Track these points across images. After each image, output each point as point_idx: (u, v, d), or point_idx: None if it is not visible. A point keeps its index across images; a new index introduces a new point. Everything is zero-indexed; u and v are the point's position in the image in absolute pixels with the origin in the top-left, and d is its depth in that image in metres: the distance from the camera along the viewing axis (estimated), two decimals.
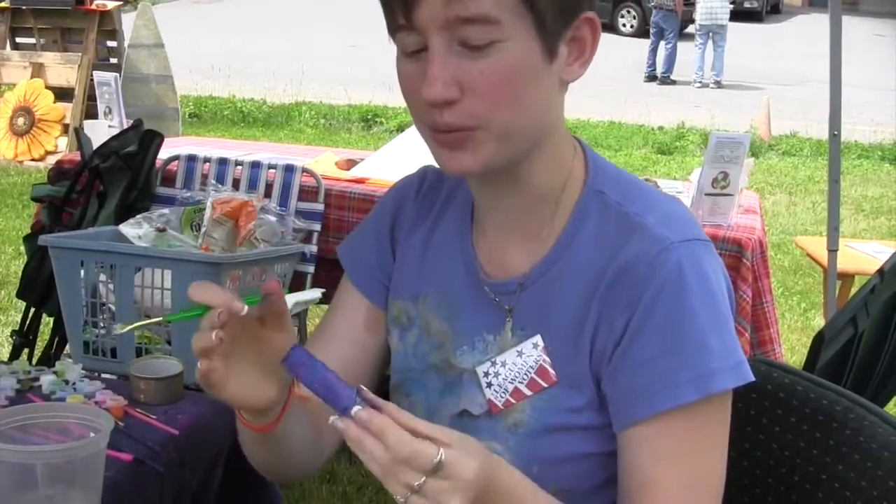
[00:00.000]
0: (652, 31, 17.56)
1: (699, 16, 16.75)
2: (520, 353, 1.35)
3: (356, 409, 1.06)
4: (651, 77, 17.76)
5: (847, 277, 4.62)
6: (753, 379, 1.27)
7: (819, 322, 5.57)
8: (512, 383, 1.35)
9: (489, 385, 1.37)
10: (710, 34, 16.76)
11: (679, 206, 1.38)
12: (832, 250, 4.24)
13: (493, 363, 1.37)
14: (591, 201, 1.35)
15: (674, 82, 17.49)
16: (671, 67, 17.55)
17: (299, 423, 1.37)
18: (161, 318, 1.28)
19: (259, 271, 3.21)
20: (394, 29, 1.24)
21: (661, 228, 1.28)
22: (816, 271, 6.21)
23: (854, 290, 3.64)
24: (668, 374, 1.24)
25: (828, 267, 4.29)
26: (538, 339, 1.34)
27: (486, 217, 1.42)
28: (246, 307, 1.14)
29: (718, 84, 17.10)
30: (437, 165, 1.48)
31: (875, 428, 1.47)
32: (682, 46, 17.40)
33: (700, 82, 17.23)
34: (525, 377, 1.34)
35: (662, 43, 17.38)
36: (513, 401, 1.35)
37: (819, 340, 2.46)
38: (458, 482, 1.07)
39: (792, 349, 5.36)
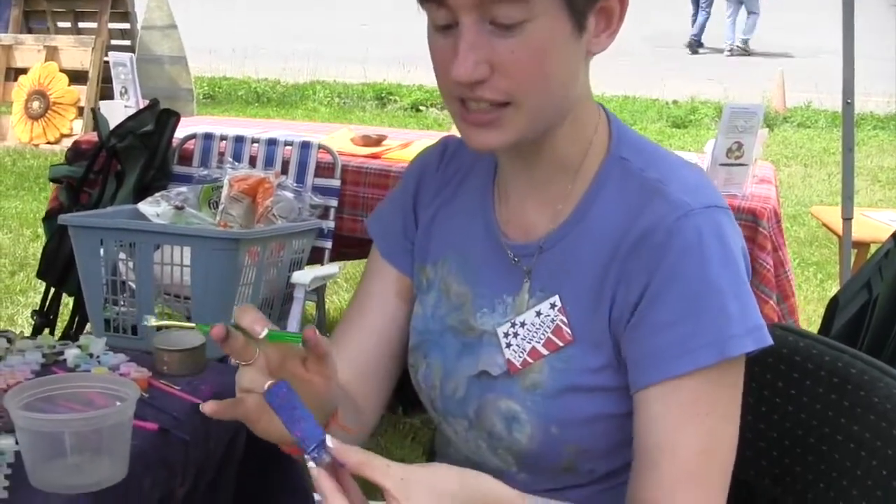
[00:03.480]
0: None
1: None
2: (538, 313, 1.37)
3: (311, 465, 1.07)
4: (695, 44, 17.63)
5: (862, 246, 4.60)
6: (771, 343, 1.28)
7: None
8: (529, 343, 1.37)
9: (508, 345, 1.39)
10: (742, 2, 16.66)
11: (700, 173, 1.39)
12: (847, 219, 4.24)
13: (513, 324, 1.39)
14: (612, 167, 1.37)
15: (701, 45, 17.43)
16: (702, 31, 17.49)
17: None
18: (194, 325, 1.28)
19: (277, 247, 3.24)
20: (423, 0, 1.24)
21: (682, 194, 1.30)
22: (832, 242, 6.19)
23: None
24: (686, 338, 1.26)
25: (842, 235, 4.30)
26: (556, 298, 1.36)
27: (509, 182, 1.44)
28: (265, 331, 1.14)
29: (745, 49, 17.07)
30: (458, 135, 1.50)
31: (890, 389, 1.48)
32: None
33: (730, 50, 17.18)
34: (542, 337, 1.36)
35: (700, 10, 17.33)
36: (530, 360, 1.37)
37: (834, 305, 2.47)
38: None
39: (808, 319, 5.35)
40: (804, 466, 1.62)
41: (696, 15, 17.50)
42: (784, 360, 1.62)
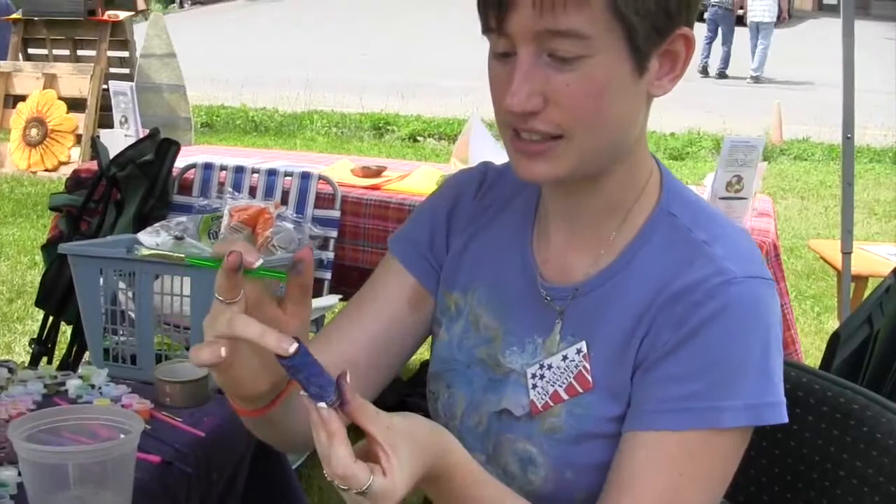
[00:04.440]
0: (708, 27, 17.53)
1: (752, 13, 16.91)
2: (564, 358, 1.36)
3: (321, 404, 1.03)
4: (703, 70, 17.82)
5: (861, 280, 4.60)
6: (784, 421, 1.27)
7: (833, 325, 5.56)
8: (553, 386, 1.36)
9: (534, 387, 1.38)
10: (759, 31, 16.93)
11: (746, 237, 1.38)
12: (846, 253, 4.24)
13: (542, 366, 1.38)
14: (660, 221, 1.36)
15: (727, 77, 17.68)
16: (728, 64, 17.73)
17: (298, 409, 1.26)
18: (183, 257, 1.16)
19: None
20: (485, 29, 1.24)
21: (727, 261, 1.28)
22: (829, 275, 6.20)
23: (868, 292, 3.65)
24: (684, 397, 1.25)
25: (842, 270, 4.30)
26: (583, 345, 1.35)
27: (552, 219, 1.42)
28: (261, 261, 1.07)
29: (756, 79, 17.31)
30: (496, 164, 1.48)
31: (892, 424, 1.48)
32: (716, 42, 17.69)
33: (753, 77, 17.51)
34: (565, 381, 1.35)
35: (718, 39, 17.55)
36: (551, 403, 1.36)
37: (835, 340, 2.47)
38: None
39: (806, 352, 5.34)
40: (806, 502, 1.62)
41: (709, 43, 17.65)
42: (786, 395, 1.62)
